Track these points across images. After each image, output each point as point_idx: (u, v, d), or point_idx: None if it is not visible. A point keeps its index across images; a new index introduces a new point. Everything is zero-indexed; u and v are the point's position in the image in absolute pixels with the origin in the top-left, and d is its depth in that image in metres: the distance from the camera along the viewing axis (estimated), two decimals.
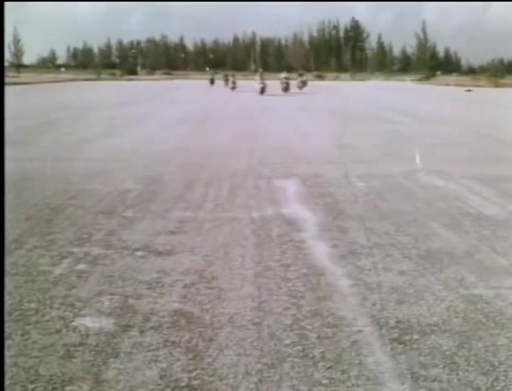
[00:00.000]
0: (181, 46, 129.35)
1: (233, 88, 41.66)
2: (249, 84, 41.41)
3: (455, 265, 4.61)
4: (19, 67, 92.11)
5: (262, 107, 25.11)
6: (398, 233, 5.48)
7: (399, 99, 34.61)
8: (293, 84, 40.66)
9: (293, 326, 3.48)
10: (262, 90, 35.81)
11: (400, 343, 3.27)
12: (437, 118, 19.98)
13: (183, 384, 2.86)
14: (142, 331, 3.40)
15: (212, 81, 52.63)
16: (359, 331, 3.42)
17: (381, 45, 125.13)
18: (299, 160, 10.08)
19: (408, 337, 3.34)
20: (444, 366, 3.02)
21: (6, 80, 29.98)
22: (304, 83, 42.73)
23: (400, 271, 4.44)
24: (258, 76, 37.63)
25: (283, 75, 39.75)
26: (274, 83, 39.48)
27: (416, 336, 3.35)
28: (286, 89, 38.44)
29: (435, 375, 2.94)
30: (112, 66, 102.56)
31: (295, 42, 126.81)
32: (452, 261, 4.68)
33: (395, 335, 3.37)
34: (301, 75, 44.64)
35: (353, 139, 13.24)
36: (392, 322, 3.53)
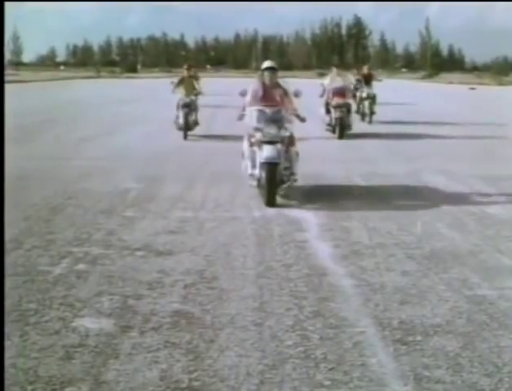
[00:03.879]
0: (181, 44, 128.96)
1: (184, 133, 12.66)
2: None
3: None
4: (18, 65, 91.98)
5: None
6: None
7: None
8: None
9: (295, 327, 3.44)
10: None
11: (403, 344, 3.23)
12: None
13: (183, 385, 2.82)
14: (142, 332, 3.37)
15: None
16: (362, 332, 3.39)
17: (383, 42, 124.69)
18: None
19: (411, 338, 3.31)
20: (448, 368, 2.98)
21: (6, 78, 29.80)
22: (374, 100, 16.63)
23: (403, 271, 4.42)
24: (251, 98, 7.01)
25: (332, 82, 13.91)
26: None
27: (419, 337, 3.32)
28: (342, 127, 13.08)
29: (439, 377, 2.90)
30: (112, 63, 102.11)
31: (297, 40, 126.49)
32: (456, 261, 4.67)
33: (398, 336, 3.34)
34: (367, 79, 16.99)
35: None
36: (395, 323, 3.51)
